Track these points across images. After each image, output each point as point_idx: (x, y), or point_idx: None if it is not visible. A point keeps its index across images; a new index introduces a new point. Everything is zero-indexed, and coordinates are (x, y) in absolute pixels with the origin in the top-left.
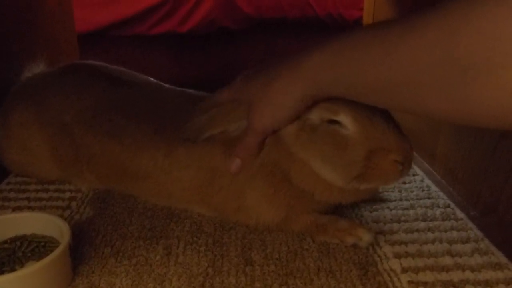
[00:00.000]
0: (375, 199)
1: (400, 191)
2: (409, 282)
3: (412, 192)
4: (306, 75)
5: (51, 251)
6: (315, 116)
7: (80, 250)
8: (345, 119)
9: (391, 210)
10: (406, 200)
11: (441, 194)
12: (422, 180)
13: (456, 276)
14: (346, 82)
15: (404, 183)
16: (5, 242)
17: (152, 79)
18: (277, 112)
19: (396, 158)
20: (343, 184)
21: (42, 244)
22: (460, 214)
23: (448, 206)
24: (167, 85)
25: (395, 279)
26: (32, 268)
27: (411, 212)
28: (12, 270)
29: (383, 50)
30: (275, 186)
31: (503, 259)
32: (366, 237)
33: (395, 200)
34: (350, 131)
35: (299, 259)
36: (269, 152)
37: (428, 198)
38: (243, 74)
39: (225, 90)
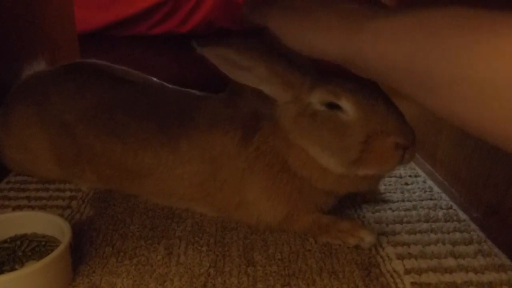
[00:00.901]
0: (377, 200)
1: (402, 192)
2: (412, 284)
3: (414, 193)
4: (360, 37)
5: (52, 250)
6: (316, 98)
7: (80, 250)
8: (346, 104)
9: (393, 211)
10: (409, 201)
11: (443, 195)
12: (424, 181)
13: (459, 277)
14: (402, 66)
15: (407, 184)
16: (5, 241)
17: (154, 79)
18: (298, 36)
19: (396, 140)
20: (341, 169)
21: (43, 243)
22: (462, 215)
23: (451, 207)
24: (170, 85)
25: (398, 280)
26: (32, 268)
27: (414, 213)
28: (12, 269)
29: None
30: (273, 178)
31: (507, 261)
32: (368, 238)
33: (397, 201)
34: (350, 116)
35: (302, 259)
36: (266, 139)
37: (431, 199)
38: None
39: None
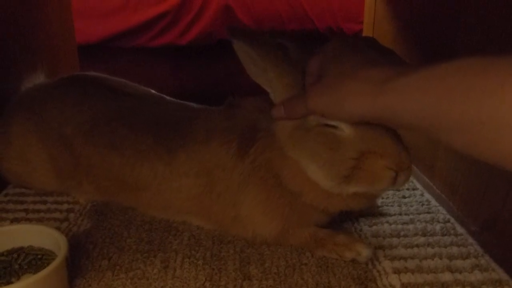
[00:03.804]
0: (374, 213)
1: (399, 206)
2: None
3: (411, 206)
4: (387, 96)
5: (48, 264)
6: (312, 119)
7: (77, 263)
8: (342, 123)
9: (390, 224)
10: (406, 214)
11: (440, 208)
12: (421, 195)
13: None
14: (429, 113)
15: (404, 197)
16: (1, 254)
17: (153, 91)
18: (336, 107)
19: (387, 164)
20: (330, 183)
21: (39, 256)
22: (460, 229)
23: (448, 221)
24: (168, 98)
25: None
26: (28, 281)
27: (411, 226)
28: (8, 283)
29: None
30: (268, 192)
31: (504, 276)
32: (365, 252)
33: (394, 215)
34: (345, 133)
35: (298, 273)
36: (262, 152)
37: (428, 212)
38: (337, 41)
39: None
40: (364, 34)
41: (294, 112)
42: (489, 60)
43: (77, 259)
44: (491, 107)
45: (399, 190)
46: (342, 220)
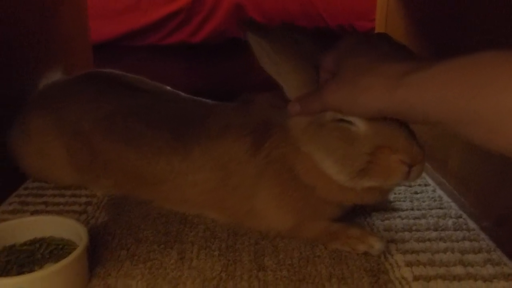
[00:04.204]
0: (387, 208)
1: (411, 201)
2: None
3: (424, 202)
4: (404, 90)
5: (69, 253)
6: (328, 114)
7: (96, 253)
8: (357, 118)
9: (402, 219)
10: (418, 209)
11: (453, 204)
12: (434, 190)
13: (467, 285)
14: (447, 107)
15: (416, 193)
16: (24, 244)
17: (168, 87)
18: (353, 103)
19: (401, 158)
20: (344, 178)
21: (60, 246)
22: (472, 224)
23: (460, 216)
24: (183, 94)
25: (406, 287)
26: (51, 269)
27: (423, 221)
28: (31, 271)
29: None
30: (282, 185)
31: None
32: (377, 245)
33: (406, 210)
34: (360, 128)
35: (311, 265)
36: (277, 146)
37: (440, 208)
38: (351, 40)
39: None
40: (376, 31)
41: (310, 109)
42: (506, 53)
43: (96, 249)
44: (510, 100)
45: (411, 186)
46: (355, 214)
